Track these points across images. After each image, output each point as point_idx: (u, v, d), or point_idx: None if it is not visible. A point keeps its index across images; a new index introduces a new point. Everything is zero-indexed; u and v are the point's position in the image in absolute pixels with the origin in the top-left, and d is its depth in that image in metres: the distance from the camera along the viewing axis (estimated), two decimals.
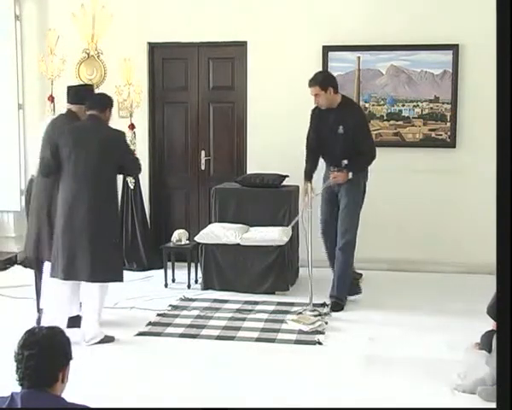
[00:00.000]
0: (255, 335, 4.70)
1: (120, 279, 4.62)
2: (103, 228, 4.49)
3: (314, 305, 5.17)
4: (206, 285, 5.91)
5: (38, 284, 5.07)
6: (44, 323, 4.40)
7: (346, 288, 5.41)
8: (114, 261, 4.59)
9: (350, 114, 5.31)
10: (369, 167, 5.40)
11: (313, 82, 5.31)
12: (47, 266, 4.79)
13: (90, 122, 4.61)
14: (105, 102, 4.69)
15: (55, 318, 4.30)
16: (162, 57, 7.08)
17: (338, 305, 5.33)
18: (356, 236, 5.34)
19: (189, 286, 6.00)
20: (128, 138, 5.44)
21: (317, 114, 5.43)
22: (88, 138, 4.51)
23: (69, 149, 4.47)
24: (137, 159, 4.90)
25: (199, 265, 6.07)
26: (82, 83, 6.22)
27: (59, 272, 4.49)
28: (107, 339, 4.55)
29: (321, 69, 6.56)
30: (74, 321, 4.69)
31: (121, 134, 4.72)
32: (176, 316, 5.13)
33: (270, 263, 5.74)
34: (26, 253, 5.27)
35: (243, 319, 5.04)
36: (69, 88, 5.03)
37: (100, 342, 4.50)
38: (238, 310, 5.27)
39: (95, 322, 4.51)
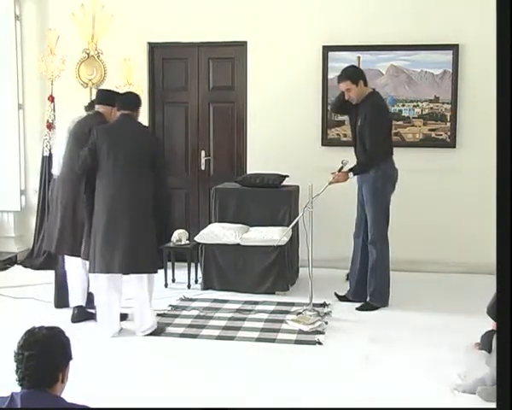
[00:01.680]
0: (255, 335, 4.70)
1: (156, 271, 4.77)
2: (145, 223, 4.60)
3: (314, 305, 5.16)
4: (206, 285, 5.91)
5: (57, 278, 5.24)
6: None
7: (377, 285, 5.29)
8: (154, 254, 4.74)
9: (365, 107, 5.19)
10: (397, 167, 5.33)
11: (344, 76, 5.23)
12: (67, 260, 5.03)
13: (125, 121, 4.72)
14: (137, 102, 4.85)
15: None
16: (162, 57, 7.08)
17: (367, 305, 5.31)
18: (379, 233, 5.26)
19: (189, 286, 6.00)
20: None
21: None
22: (126, 136, 4.65)
23: (107, 147, 4.58)
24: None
25: (199, 265, 6.08)
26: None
27: (102, 267, 4.56)
28: (161, 329, 4.73)
29: (321, 69, 6.59)
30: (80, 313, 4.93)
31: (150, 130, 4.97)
32: (176, 316, 5.14)
33: (270, 263, 5.74)
34: (45, 247, 5.61)
35: (243, 319, 5.04)
36: (99, 91, 5.33)
37: (154, 333, 4.65)
38: (238, 310, 5.27)
39: (150, 313, 4.67)
